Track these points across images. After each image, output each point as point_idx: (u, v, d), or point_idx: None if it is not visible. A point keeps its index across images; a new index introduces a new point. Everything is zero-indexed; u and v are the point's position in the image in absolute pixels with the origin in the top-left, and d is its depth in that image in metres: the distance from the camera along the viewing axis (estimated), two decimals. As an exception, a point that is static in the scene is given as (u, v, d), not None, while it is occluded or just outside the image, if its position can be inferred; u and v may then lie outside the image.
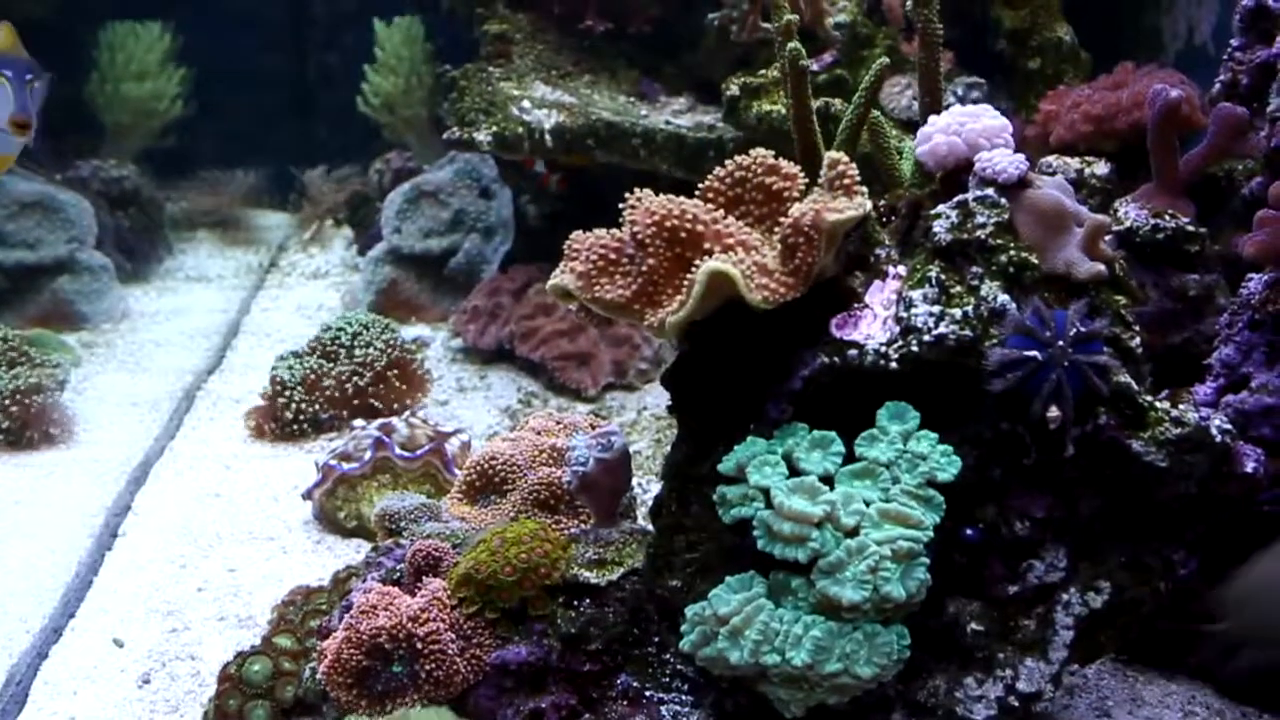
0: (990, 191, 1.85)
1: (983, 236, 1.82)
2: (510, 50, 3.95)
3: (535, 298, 3.81)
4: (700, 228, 1.76)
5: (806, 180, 1.85)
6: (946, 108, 1.97)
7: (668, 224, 1.75)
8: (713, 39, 3.75)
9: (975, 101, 3.04)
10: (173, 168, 5.56)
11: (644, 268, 1.76)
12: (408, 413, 3.11)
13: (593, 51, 4.10)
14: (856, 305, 1.82)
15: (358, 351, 3.53)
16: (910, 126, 2.92)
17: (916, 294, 1.80)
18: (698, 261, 1.73)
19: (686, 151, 3.63)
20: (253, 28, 5.75)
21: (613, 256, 1.80)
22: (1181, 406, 1.84)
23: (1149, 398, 1.81)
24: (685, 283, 1.73)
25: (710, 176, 1.88)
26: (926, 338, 1.76)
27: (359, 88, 5.30)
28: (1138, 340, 1.85)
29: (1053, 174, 2.45)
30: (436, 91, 4.88)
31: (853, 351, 1.78)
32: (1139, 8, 3.67)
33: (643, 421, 3.43)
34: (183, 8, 5.52)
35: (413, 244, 4.38)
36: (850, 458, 1.75)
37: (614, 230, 1.83)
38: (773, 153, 1.88)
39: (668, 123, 3.78)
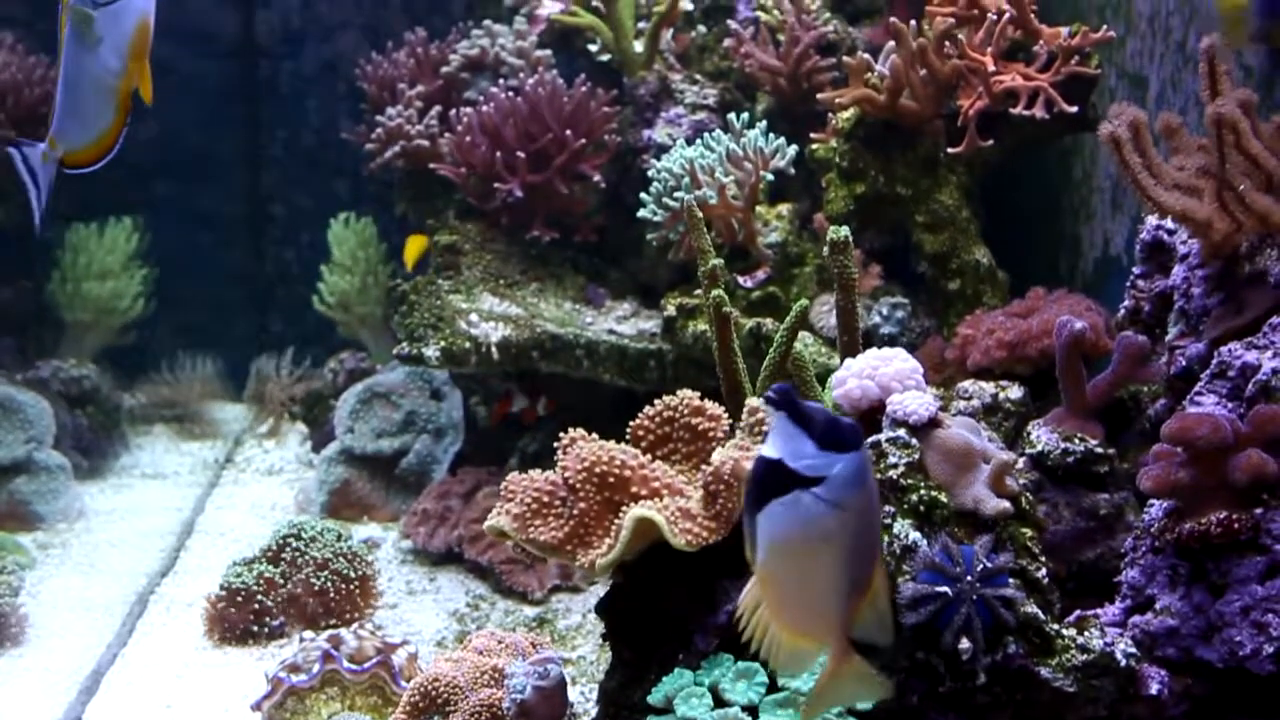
0: (902, 433, 1.98)
1: (895, 476, 1.94)
2: (459, 261, 4.08)
3: (484, 501, 3.89)
4: (628, 473, 1.88)
5: (730, 421, 1.98)
6: (866, 334, 2.10)
7: (597, 470, 1.87)
8: (653, 250, 3.90)
9: (899, 320, 3.21)
10: (131, 363, 5.65)
11: (575, 511, 1.88)
12: (356, 624, 3.17)
13: (540, 259, 4.24)
14: (778, 541, 1.93)
15: (310, 558, 3.60)
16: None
17: (833, 531, 1.91)
18: (626, 505, 1.84)
19: (628, 363, 3.76)
20: (212, 225, 5.90)
21: (546, 499, 1.91)
22: (1088, 633, 1.95)
23: (1056, 626, 1.92)
24: (614, 526, 1.84)
25: (640, 415, 2.01)
26: (843, 573, 1.87)
27: (315, 284, 5.44)
28: (1044, 571, 1.97)
29: (969, 399, 2.59)
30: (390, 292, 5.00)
31: (774, 587, 1.89)
32: (1056, 218, 3.87)
33: (588, 625, 3.50)
34: (145, 207, 5.65)
35: (365, 444, 4.47)
36: (774, 687, 1.85)
37: (548, 473, 1.95)
38: (698, 394, 2.02)
39: (610, 332, 3.92)
